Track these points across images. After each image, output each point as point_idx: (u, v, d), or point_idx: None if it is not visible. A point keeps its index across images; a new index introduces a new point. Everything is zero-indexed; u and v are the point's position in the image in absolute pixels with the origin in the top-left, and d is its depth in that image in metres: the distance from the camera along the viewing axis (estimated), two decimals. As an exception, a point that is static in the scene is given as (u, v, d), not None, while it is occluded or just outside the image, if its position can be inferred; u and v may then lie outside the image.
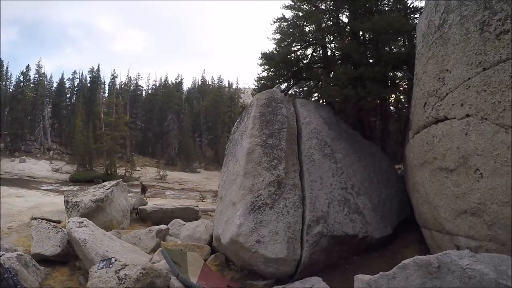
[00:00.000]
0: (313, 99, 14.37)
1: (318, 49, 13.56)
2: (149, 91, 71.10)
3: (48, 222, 9.70)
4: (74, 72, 66.31)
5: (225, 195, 9.21)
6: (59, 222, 11.38)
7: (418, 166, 6.92)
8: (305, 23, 13.05)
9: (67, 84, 65.62)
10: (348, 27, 12.38)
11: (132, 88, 69.50)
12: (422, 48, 6.88)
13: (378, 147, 11.69)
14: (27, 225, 11.21)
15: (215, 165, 53.51)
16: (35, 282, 7.17)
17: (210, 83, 77.95)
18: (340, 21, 12.87)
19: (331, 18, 12.92)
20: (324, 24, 12.81)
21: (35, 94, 57.52)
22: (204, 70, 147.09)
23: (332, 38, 13.38)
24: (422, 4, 10.34)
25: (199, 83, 78.06)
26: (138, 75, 75.68)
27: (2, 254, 6.93)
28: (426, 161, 6.47)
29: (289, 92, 14.41)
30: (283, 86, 13.32)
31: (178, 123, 61.74)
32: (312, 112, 9.77)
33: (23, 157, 48.39)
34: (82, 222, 8.51)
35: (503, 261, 3.97)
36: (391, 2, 12.37)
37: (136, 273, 5.82)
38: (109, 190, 12.53)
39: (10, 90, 57.35)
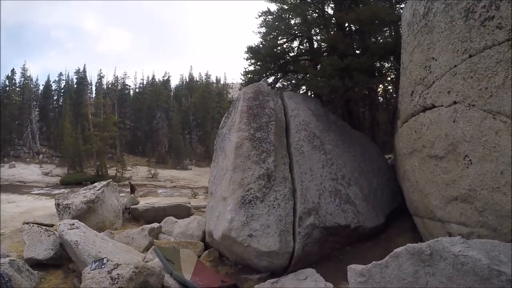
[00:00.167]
0: (301, 91, 14.37)
1: (304, 41, 13.53)
2: (137, 90, 70.35)
3: (40, 226, 9.63)
4: (60, 74, 65.03)
5: (215, 191, 9.16)
6: (51, 225, 11.27)
7: (408, 154, 6.96)
8: (290, 16, 13.00)
9: (54, 86, 64.48)
10: (334, 18, 12.37)
11: (119, 87, 68.62)
12: (408, 37, 6.89)
13: (368, 137, 11.76)
14: (19, 230, 11.13)
15: (206, 161, 53.21)
16: (29, 286, 7.16)
17: (197, 79, 77.25)
18: (326, 13, 12.85)
19: (316, 10, 12.88)
20: (309, 17, 12.80)
21: (21, 98, 56.48)
22: (191, 66, 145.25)
23: (318, 30, 13.38)
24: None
25: (187, 80, 77.32)
26: (125, 74, 74.60)
27: None
28: (415, 149, 6.51)
29: (277, 86, 14.38)
30: (271, 79, 13.29)
31: (167, 121, 61.31)
32: (300, 104, 9.76)
33: (12, 162, 47.57)
34: (74, 224, 8.47)
35: (495, 247, 3.99)
36: (377, -8, 12.34)
37: (128, 273, 5.82)
38: (100, 191, 12.46)
39: None
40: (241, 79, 14.29)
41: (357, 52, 11.67)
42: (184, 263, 7.39)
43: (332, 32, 12.23)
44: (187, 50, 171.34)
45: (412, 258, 4.17)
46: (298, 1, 12.65)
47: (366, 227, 8.62)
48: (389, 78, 12.83)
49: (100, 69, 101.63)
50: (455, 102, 5.25)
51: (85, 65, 72.97)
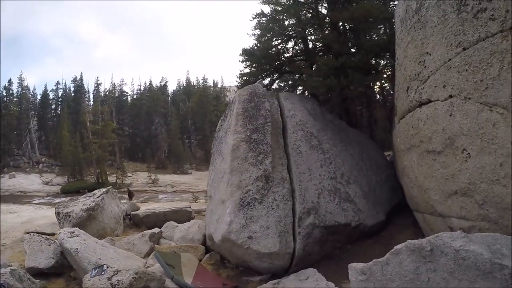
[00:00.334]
0: (298, 92, 14.35)
1: (299, 42, 13.52)
2: (134, 96, 70.21)
3: (40, 235, 9.57)
4: (57, 83, 64.93)
5: (214, 194, 9.14)
6: (53, 234, 11.25)
7: (406, 150, 6.94)
8: (284, 17, 13.00)
9: (51, 95, 64.29)
10: (327, 18, 12.37)
11: (117, 94, 68.53)
12: (401, 33, 6.89)
13: (366, 135, 11.76)
14: (21, 240, 11.08)
15: (206, 165, 52.88)
16: None
17: (195, 83, 77.20)
18: (319, 13, 12.84)
19: (310, 10, 12.89)
20: (303, 17, 12.79)
21: (19, 108, 56.31)
22: (188, 71, 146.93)
23: (312, 30, 13.36)
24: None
25: (184, 85, 77.21)
26: (122, 81, 74.47)
27: None
28: (413, 145, 6.49)
29: (273, 87, 14.37)
30: (266, 81, 13.28)
31: (166, 126, 61.19)
32: (297, 104, 9.75)
33: (12, 173, 47.39)
34: (74, 232, 8.46)
35: (496, 240, 3.95)
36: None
37: (128, 278, 5.79)
38: (100, 198, 12.46)
39: None
40: (237, 81, 14.29)
41: (352, 50, 11.68)
42: (185, 267, 7.37)
43: (326, 32, 12.23)
44: (184, 54, 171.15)
45: (412, 254, 4.14)
46: (292, 2, 12.65)
47: (366, 225, 8.59)
48: (385, 75, 12.81)
49: (97, 77, 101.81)
50: (451, 96, 5.23)
51: (82, 73, 73.24)
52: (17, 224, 16.27)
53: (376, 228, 8.83)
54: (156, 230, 10.93)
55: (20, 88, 58.35)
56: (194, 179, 48.29)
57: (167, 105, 66.24)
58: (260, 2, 13.30)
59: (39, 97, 63.64)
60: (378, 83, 15.75)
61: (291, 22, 13.09)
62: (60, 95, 64.50)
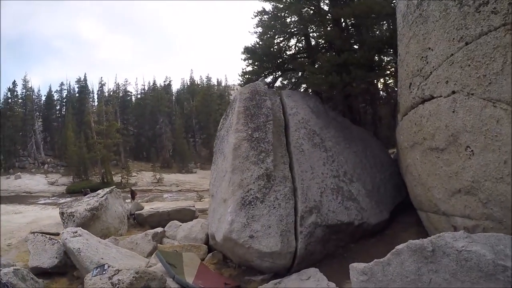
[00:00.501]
0: (301, 90, 14.27)
1: (301, 39, 13.45)
2: (139, 96, 70.62)
3: (44, 235, 9.65)
4: (62, 84, 65.47)
5: (216, 193, 9.12)
6: (57, 234, 11.32)
7: (409, 148, 6.84)
8: (286, 14, 12.95)
9: (56, 96, 64.92)
10: (329, 14, 12.26)
11: (121, 94, 69.02)
12: (403, 29, 6.78)
13: (369, 132, 11.65)
14: (25, 240, 11.15)
15: (210, 164, 52.72)
16: None
17: (198, 82, 77.48)
18: (321, 10, 12.75)
19: (312, 7, 12.80)
20: (305, 14, 12.69)
21: (24, 110, 56.89)
22: (191, 70, 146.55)
23: (314, 27, 13.25)
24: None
25: (188, 84, 77.55)
26: (126, 81, 74.87)
27: None
28: (416, 142, 6.38)
29: (276, 85, 14.33)
30: (269, 79, 13.23)
31: (170, 125, 61.48)
32: (299, 102, 9.68)
33: (18, 174, 47.89)
34: (76, 232, 8.52)
35: (500, 240, 3.83)
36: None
37: (129, 278, 5.81)
38: (103, 198, 12.56)
39: None
40: (239, 80, 14.25)
41: (355, 47, 11.57)
42: (187, 266, 7.36)
43: (328, 28, 12.12)
44: (187, 53, 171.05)
45: (414, 255, 4.06)
46: (293, -1, 12.56)
47: (370, 223, 8.51)
48: (388, 72, 12.66)
49: (101, 77, 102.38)
50: (453, 92, 5.11)
51: (85, 74, 73.26)
52: (23, 224, 16.35)
53: (379, 227, 8.74)
54: (159, 229, 11.00)
55: (24, 90, 59.03)
56: (199, 178, 48.43)
57: (171, 105, 66.46)
58: (262, 0, 13.24)
59: (43, 98, 64.32)
60: (382, 80, 15.60)
61: (293, 19, 13.03)
62: (64, 96, 65.13)
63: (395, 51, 9.93)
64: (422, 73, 5.93)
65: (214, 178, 9.62)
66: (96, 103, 64.10)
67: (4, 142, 50.40)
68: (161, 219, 13.46)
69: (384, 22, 13.05)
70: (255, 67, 13.22)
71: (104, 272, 6.08)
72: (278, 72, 13.44)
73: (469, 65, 4.78)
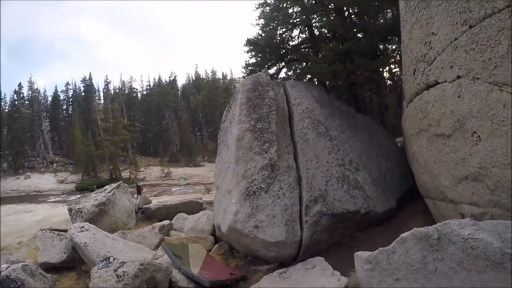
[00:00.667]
0: (306, 80, 14.15)
1: (304, 30, 13.31)
2: (144, 92, 70.72)
3: (52, 231, 9.81)
4: (67, 84, 65.81)
5: (221, 184, 9.12)
6: (66, 230, 11.43)
7: (415, 135, 6.76)
8: (288, 5, 12.82)
9: (62, 96, 65.20)
10: (332, 4, 12.08)
11: (126, 91, 69.22)
12: (406, 15, 6.66)
13: (375, 121, 11.53)
14: (34, 237, 11.32)
15: (217, 157, 53.16)
16: None
17: (204, 76, 77.39)
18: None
19: (314, -3, 12.60)
20: (307, 4, 12.52)
21: (31, 111, 57.24)
22: (196, 64, 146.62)
23: (317, 17, 13.09)
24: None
25: (193, 78, 77.50)
26: (131, 78, 75.30)
27: (7, 267, 7.06)
28: (422, 129, 6.29)
29: (280, 76, 14.22)
30: (273, 70, 13.15)
31: (177, 120, 61.56)
32: (303, 92, 9.60)
33: (27, 173, 48.45)
34: (83, 227, 8.63)
35: (508, 228, 3.74)
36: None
37: (134, 270, 5.88)
38: (111, 193, 12.65)
39: (6, 110, 56.76)
40: (242, 72, 14.17)
41: (358, 35, 11.41)
42: (193, 257, 7.41)
43: (331, 18, 11.96)
44: (192, 49, 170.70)
45: (419, 243, 4.01)
46: (295, -10, 12.40)
47: (376, 212, 8.45)
48: (392, 60, 12.49)
49: (106, 75, 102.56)
50: (458, 77, 5.00)
51: (90, 73, 73.77)
52: (33, 223, 16.56)
53: (386, 215, 8.69)
54: (166, 222, 11.07)
55: (30, 91, 59.37)
56: (206, 171, 48.49)
57: (177, 99, 66.51)
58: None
59: (49, 99, 64.69)
60: (387, 68, 15.40)
61: (295, 9, 12.93)
62: (70, 95, 65.48)
63: (399, 38, 9.79)
64: (426, 58, 5.81)
65: (219, 169, 9.62)
66: (102, 101, 64.39)
67: (13, 144, 50.96)
68: (168, 212, 13.51)
69: (388, 10, 12.84)
70: (258, 58, 13.15)
71: (109, 265, 6.16)
72: (281, 63, 13.37)
73: (473, 49, 4.66)
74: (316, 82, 12.62)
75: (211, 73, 77.75)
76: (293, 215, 7.41)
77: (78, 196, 16.50)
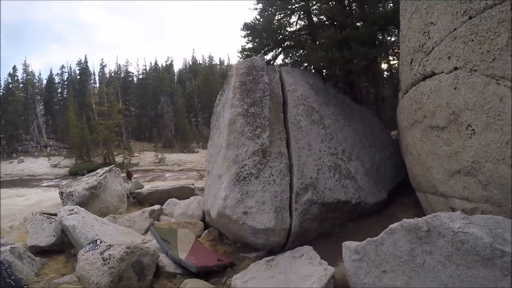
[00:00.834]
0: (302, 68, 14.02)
1: (303, 16, 13.08)
2: (140, 76, 69.93)
3: (42, 214, 9.69)
4: (62, 67, 64.92)
5: (212, 169, 9.01)
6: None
7: (409, 126, 6.69)
8: (287, -10, 12.50)
9: (57, 79, 64.42)
10: (332, -9, 11.89)
11: (122, 75, 68.43)
12: (406, 3, 6.55)
13: (370, 111, 11.44)
14: (25, 220, 11.26)
15: (213, 144, 53.00)
16: (31, 272, 7.26)
17: (201, 62, 76.77)
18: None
19: (314, -17, 12.38)
20: (306, -10, 12.28)
21: (25, 94, 56.70)
22: (193, 50, 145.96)
23: (316, 3, 12.86)
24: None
25: (190, 63, 76.78)
26: (127, 62, 74.40)
27: None
28: (416, 120, 6.23)
29: (277, 63, 14.08)
30: (269, 56, 12.98)
31: (172, 105, 61.18)
32: (298, 79, 9.46)
33: (21, 157, 48.17)
34: (73, 210, 8.57)
35: (499, 224, 3.70)
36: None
37: (120, 253, 5.85)
38: (102, 177, 12.57)
39: (0, 93, 55.88)
40: (238, 57, 13.95)
41: (357, 25, 11.24)
42: (181, 243, 7.38)
43: (330, 4, 11.75)
44: (189, 33, 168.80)
45: (408, 234, 3.95)
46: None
47: (368, 203, 8.44)
48: (390, 50, 12.34)
49: (102, 58, 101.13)
50: (455, 68, 4.90)
51: (86, 55, 72.68)
52: (25, 207, 16.46)
53: (378, 207, 8.68)
54: (156, 207, 11.06)
55: (25, 74, 58.69)
56: (200, 157, 48.36)
57: (173, 84, 66.05)
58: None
59: (44, 82, 63.88)
60: (385, 60, 15.25)
61: (294, -5, 12.63)
62: (65, 78, 64.63)
63: (399, 29, 9.66)
64: (424, 48, 5.72)
65: (210, 154, 9.51)
66: (97, 85, 63.73)
67: (6, 127, 50.40)
68: (160, 197, 13.44)
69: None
70: (255, 44, 12.95)
71: (96, 248, 6.12)
72: (278, 49, 13.17)
73: (472, 40, 4.56)
74: (313, 71, 12.49)
75: (208, 59, 77.30)
76: (283, 202, 7.35)
77: (71, 180, 16.41)
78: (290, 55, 15.42)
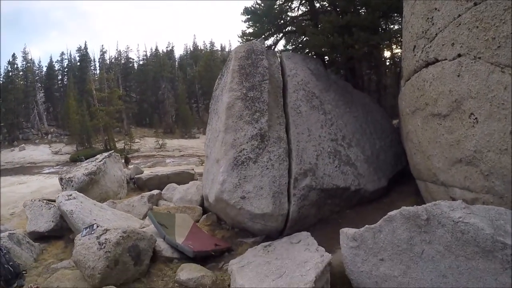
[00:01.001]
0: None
1: (304, 1, 12.81)
2: (141, 62, 69.44)
3: (41, 200, 9.71)
4: (62, 53, 64.44)
5: (210, 153, 8.92)
6: (58, 200, 11.48)
7: (410, 114, 6.59)
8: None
9: (57, 66, 64.05)
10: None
11: (123, 61, 67.96)
12: (410, -12, 6.33)
13: (371, 98, 11.33)
14: (24, 206, 11.32)
15: (213, 130, 52.97)
16: (30, 258, 7.30)
17: (202, 48, 76.09)
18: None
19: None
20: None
21: (25, 82, 56.46)
22: (194, 35, 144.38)
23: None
24: None
25: (191, 49, 76.15)
26: (128, 48, 73.64)
27: None
28: (418, 108, 6.13)
29: (278, 48, 13.87)
30: (270, 41, 12.78)
31: (173, 91, 60.97)
32: (299, 64, 9.31)
33: (22, 145, 48.25)
34: (71, 195, 8.57)
35: (500, 215, 3.64)
36: None
37: (116, 237, 5.82)
38: (101, 162, 12.55)
39: (0, 81, 55.48)
40: (239, 41, 13.75)
41: (361, 12, 11.03)
42: (179, 227, 7.37)
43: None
44: (190, 19, 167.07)
45: (407, 222, 3.90)
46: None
47: (367, 190, 8.41)
48: (394, 38, 12.13)
49: (102, 45, 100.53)
50: (459, 55, 4.79)
51: (86, 42, 72.05)
52: (27, 194, 16.64)
53: (377, 194, 8.65)
54: (155, 192, 11.07)
55: (24, 62, 58.38)
56: (201, 143, 48.16)
57: (174, 70, 65.64)
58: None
59: (44, 69, 63.58)
60: (387, 46, 15.02)
61: (296, -21, 12.37)
62: (65, 65, 64.22)
63: (402, 16, 9.48)
64: (427, 35, 5.59)
65: (209, 139, 9.41)
66: (97, 71, 63.40)
67: (7, 115, 50.24)
68: (160, 182, 13.47)
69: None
70: (256, 28, 12.74)
71: (93, 232, 6.09)
72: (279, 34, 12.95)
73: (477, 27, 4.45)
74: (314, 57, 12.32)
75: (209, 45, 76.66)
76: (281, 187, 7.29)
77: (71, 166, 16.50)
78: (292, 40, 15.21)
